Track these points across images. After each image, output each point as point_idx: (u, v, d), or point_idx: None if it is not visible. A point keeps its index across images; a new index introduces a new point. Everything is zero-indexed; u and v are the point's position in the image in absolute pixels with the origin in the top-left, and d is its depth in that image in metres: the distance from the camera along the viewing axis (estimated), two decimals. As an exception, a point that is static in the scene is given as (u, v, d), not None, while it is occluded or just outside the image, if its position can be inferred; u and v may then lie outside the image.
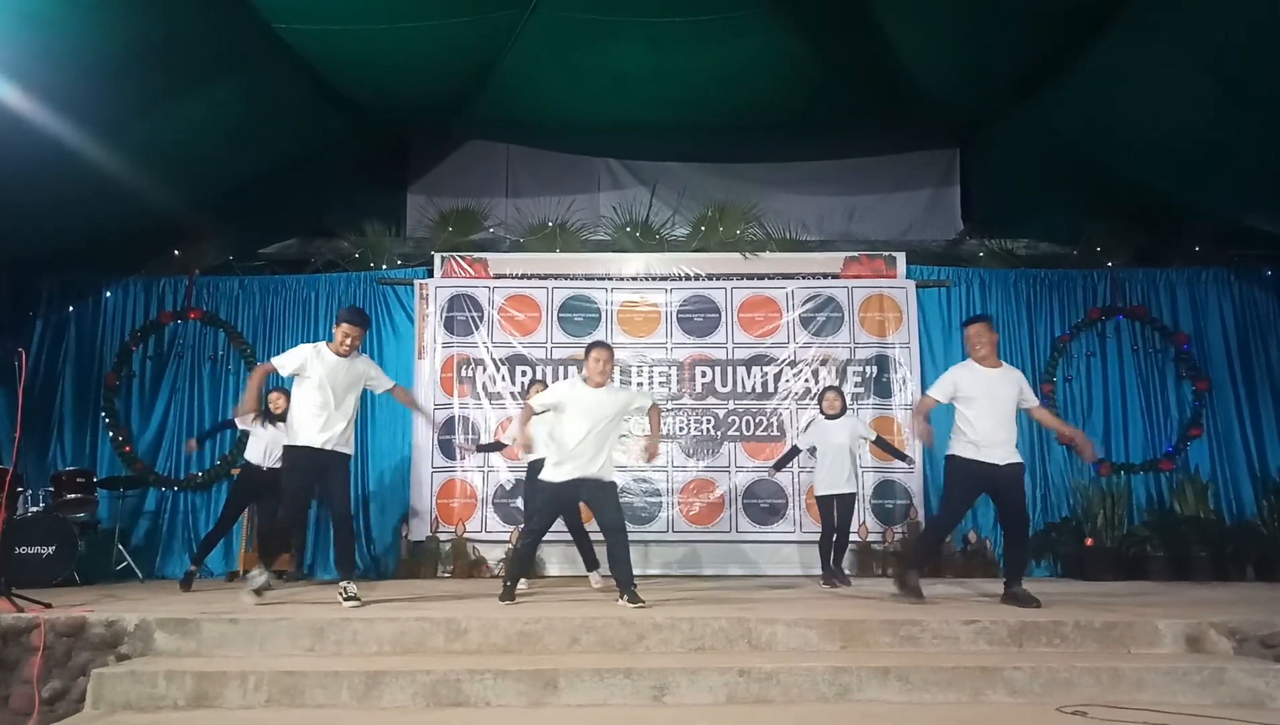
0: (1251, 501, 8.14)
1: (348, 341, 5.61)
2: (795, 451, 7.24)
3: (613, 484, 5.60)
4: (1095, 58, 6.72)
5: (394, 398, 6.14)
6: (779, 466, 7.37)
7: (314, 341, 6.74)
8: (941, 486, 8.12)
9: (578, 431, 5.47)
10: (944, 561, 7.88)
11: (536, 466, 6.85)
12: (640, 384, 8.32)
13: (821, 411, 7.07)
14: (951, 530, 5.84)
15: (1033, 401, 5.65)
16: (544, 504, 5.63)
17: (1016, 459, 5.49)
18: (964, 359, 8.14)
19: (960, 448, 5.54)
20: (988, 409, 5.44)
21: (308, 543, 8.03)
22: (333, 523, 5.73)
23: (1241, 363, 8.47)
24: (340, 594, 5.33)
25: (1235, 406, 8.40)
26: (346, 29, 6.58)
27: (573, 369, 8.38)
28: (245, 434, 7.31)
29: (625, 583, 5.34)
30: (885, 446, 7.27)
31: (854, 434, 6.95)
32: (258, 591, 5.40)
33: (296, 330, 8.59)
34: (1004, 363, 5.75)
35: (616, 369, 8.25)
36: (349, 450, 5.69)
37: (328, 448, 5.51)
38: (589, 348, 5.73)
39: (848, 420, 7.02)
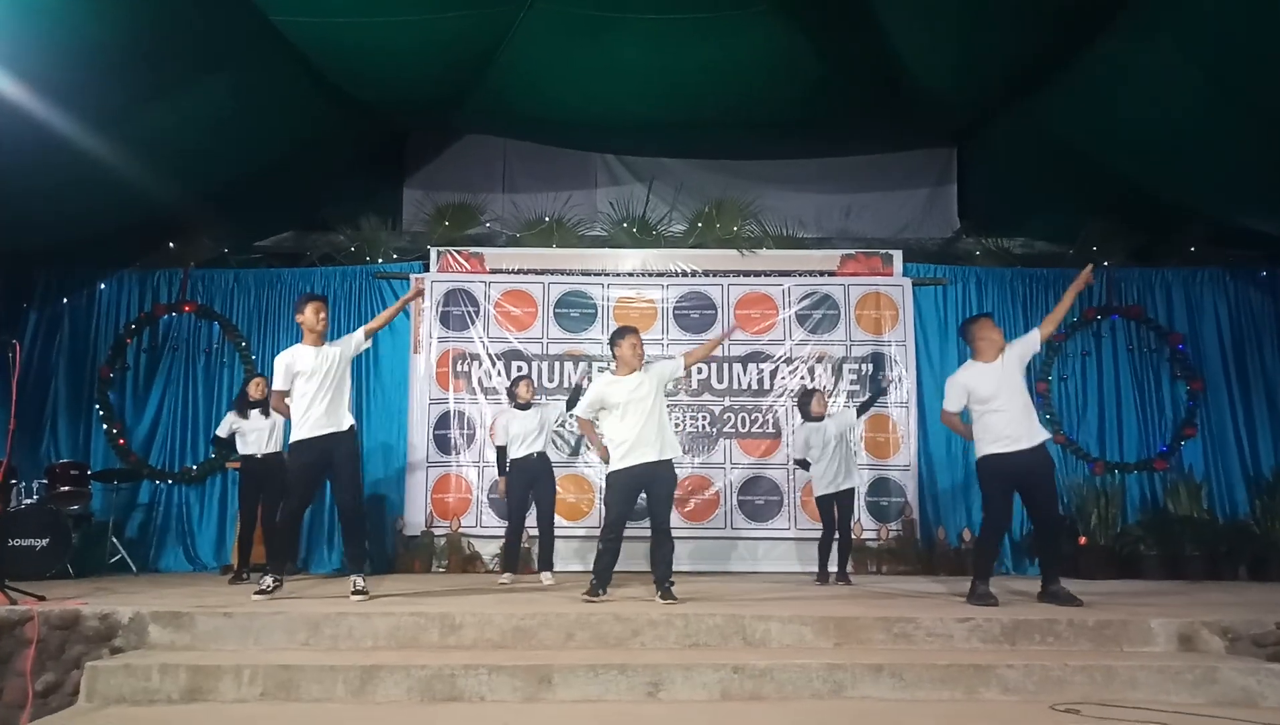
0: (1245, 501, 8.17)
1: (314, 320, 5.57)
2: (805, 464, 7.12)
3: (669, 466, 5.50)
4: (1092, 57, 6.73)
5: (371, 332, 5.81)
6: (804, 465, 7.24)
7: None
8: (935, 484, 8.24)
9: (632, 422, 5.45)
10: (938, 559, 7.92)
11: (514, 462, 6.90)
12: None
13: (811, 415, 7.05)
14: (1004, 533, 5.88)
15: (1035, 340, 5.51)
16: (618, 497, 5.52)
17: (1042, 437, 5.39)
18: (961, 358, 8.32)
19: (990, 446, 5.41)
20: (1006, 402, 5.35)
21: (302, 537, 8.01)
22: (339, 514, 5.69)
23: (1236, 363, 8.50)
24: (351, 588, 5.35)
25: (1229, 407, 8.43)
26: (344, 22, 6.56)
27: (568, 364, 8.40)
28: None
29: (660, 582, 5.37)
30: (864, 408, 7.32)
31: (842, 425, 6.97)
32: (265, 591, 5.35)
33: (291, 324, 8.45)
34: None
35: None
36: (346, 426, 5.53)
37: (322, 433, 5.45)
38: (617, 336, 5.70)
39: (833, 417, 7.03)
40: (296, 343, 5.70)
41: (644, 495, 5.58)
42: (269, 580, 5.41)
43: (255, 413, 7.03)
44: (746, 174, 9.30)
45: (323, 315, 5.63)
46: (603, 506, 6.66)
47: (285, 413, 5.69)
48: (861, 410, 7.31)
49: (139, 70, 6.08)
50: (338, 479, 5.54)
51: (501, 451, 7.03)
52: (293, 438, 5.60)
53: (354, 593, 5.30)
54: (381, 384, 8.47)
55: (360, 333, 5.77)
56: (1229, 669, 4.07)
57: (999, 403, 5.37)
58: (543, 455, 6.93)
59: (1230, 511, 8.16)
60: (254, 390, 7.14)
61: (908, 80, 7.66)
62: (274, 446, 6.94)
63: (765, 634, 4.56)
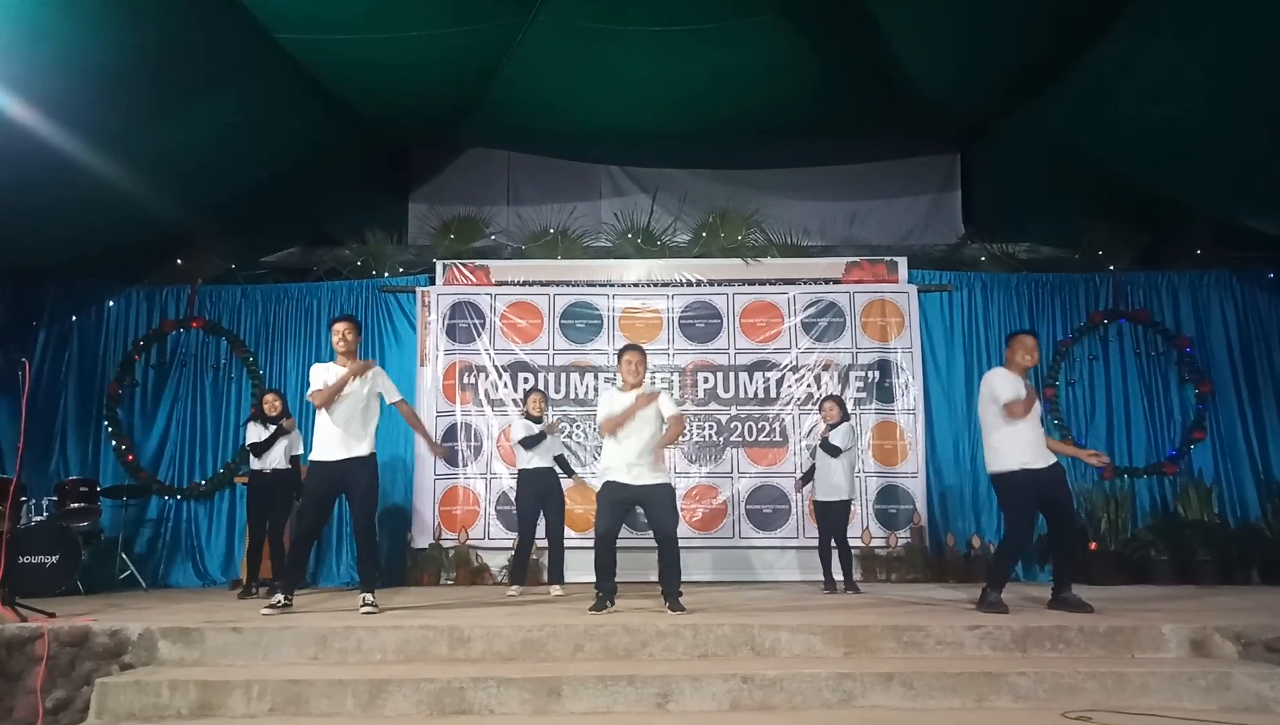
0: (1255, 504, 8.12)
1: (337, 341, 5.66)
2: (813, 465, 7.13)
3: (665, 487, 5.58)
4: (1095, 60, 6.74)
5: (399, 412, 5.97)
6: (805, 480, 7.34)
7: (316, 350, 6.86)
8: (944, 491, 8.20)
9: (622, 437, 5.52)
10: (947, 566, 7.89)
11: (526, 474, 6.92)
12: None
13: (824, 421, 7.08)
14: (1026, 547, 5.82)
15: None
16: (602, 506, 5.58)
17: (1055, 460, 5.42)
18: (968, 363, 8.31)
19: (1008, 461, 5.36)
20: (1030, 418, 5.37)
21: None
22: (354, 535, 5.81)
23: (1244, 365, 8.46)
24: (361, 602, 5.38)
25: (1238, 409, 8.38)
26: (348, 39, 6.60)
27: (574, 376, 8.41)
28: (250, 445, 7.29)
29: (669, 593, 5.37)
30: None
31: (847, 441, 6.94)
32: (275, 607, 5.35)
33: (299, 338, 8.62)
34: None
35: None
36: (365, 452, 5.58)
37: (337, 458, 5.52)
38: (620, 352, 5.80)
39: (844, 428, 7.01)
40: (315, 359, 5.79)
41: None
42: (279, 597, 5.42)
43: (260, 428, 7.06)
44: (750, 183, 9.32)
45: (347, 337, 5.66)
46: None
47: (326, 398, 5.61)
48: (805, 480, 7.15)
49: (144, 88, 6.13)
50: (352, 502, 5.62)
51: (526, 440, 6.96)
52: (311, 457, 5.64)
53: (363, 607, 5.32)
54: (388, 397, 8.48)
55: (392, 389, 5.81)
56: (1242, 674, 4.04)
57: (1029, 417, 5.38)
58: (552, 469, 6.96)
59: (1241, 515, 8.11)
60: (268, 407, 7.16)
61: (910, 86, 7.67)
62: (282, 462, 6.99)
63: (774, 643, 4.54)
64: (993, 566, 5.63)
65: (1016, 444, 5.35)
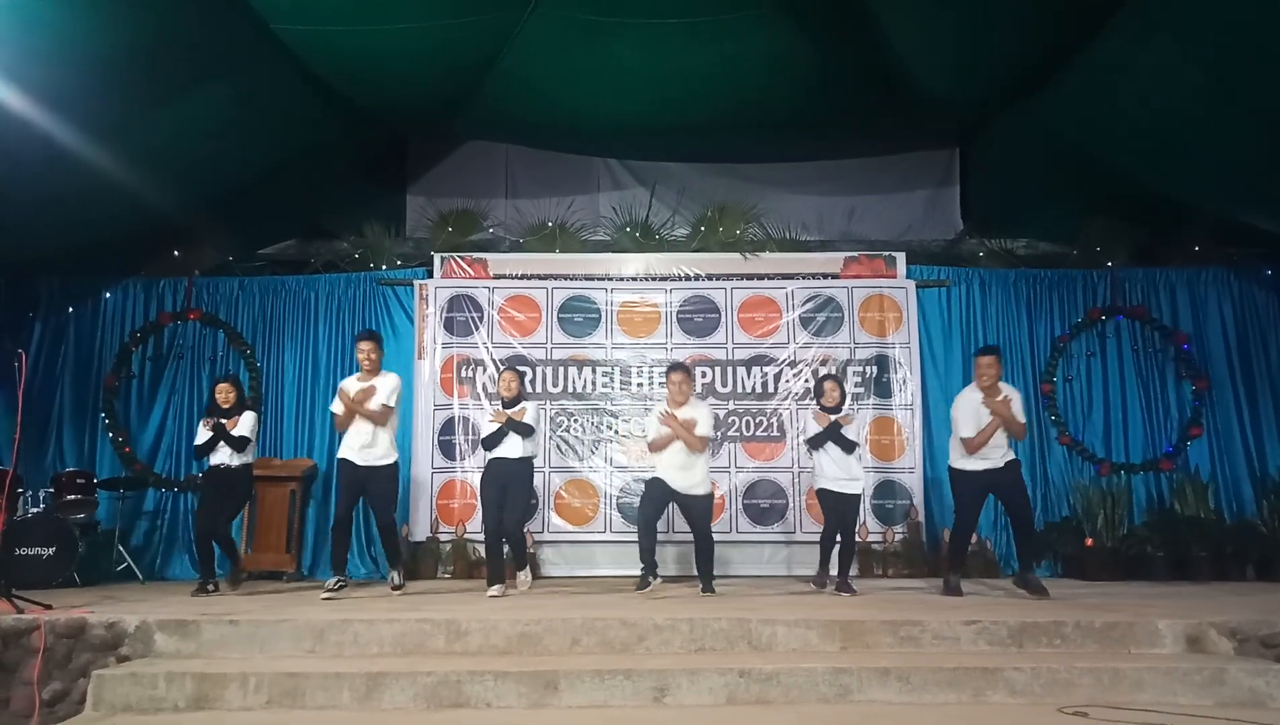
0: (1251, 501, 8.13)
1: (362, 359, 6.40)
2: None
3: (706, 497, 6.43)
4: (1094, 56, 6.73)
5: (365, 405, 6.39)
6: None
7: (313, 342, 7.64)
8: (940, 486, 8.20)
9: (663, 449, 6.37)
10: (943, 561, 7.86)
11: (491, 463, 6.66)
12: (640, 384, 8.33)
13: (820, 405, 6.79)
14: (971, 532, 6.68)
15: (1020, 418, 6.21)
16: (647, 495, 6.44)
17: (1013, 457, 6.12)
18: (965, 360, 8.32)
19: (960, 461, 6.23)
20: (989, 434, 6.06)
21: (307, 544, 8.04)
22: (377, 529, 6.89)
23: (1241, 362, 8.47)
24: (390, 581, 6.44)
25: (1235, 406, 8.40)
26: (345, 30, 6.57)
27: (573, 370, 8.40)
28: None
29: (704, 580, 6.30)
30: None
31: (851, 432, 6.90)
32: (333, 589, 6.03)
33: (296, 331, 8.60)
34: (1001, 384, 6.26)
35: (617, 370, 8.32)
36: (385, 462, 6.31)
37: (358, 462, 6.24)
38: (668, 371, 6.63)
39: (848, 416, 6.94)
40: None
41: None
42: (334, 579, 6.09)
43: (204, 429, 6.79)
44: (749, 177, 9.29)
45: (372, 357, 6.36)
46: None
47: (342, 423, 6.39)
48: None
49: (140, 79, 6.09)
50: (372, 505, 6.57)
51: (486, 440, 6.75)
52: (339, 453, 6.39)
53: (393, 588, 6.32)
54: (386, 390, 8.46)
55: (380, 395, 6.36)
56: (1237, 670, 4.06)
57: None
58: (521, 459, 6.57)
59: (1237, 511, 8.13)
60: (221, 399, 6.80)
61: (909, 81, 7.66)
62: (236, 458, 6.73)
63: (771, 638, 4.56)
64: (948, 554, 6.59)
65: (961, 448, 6.24)
